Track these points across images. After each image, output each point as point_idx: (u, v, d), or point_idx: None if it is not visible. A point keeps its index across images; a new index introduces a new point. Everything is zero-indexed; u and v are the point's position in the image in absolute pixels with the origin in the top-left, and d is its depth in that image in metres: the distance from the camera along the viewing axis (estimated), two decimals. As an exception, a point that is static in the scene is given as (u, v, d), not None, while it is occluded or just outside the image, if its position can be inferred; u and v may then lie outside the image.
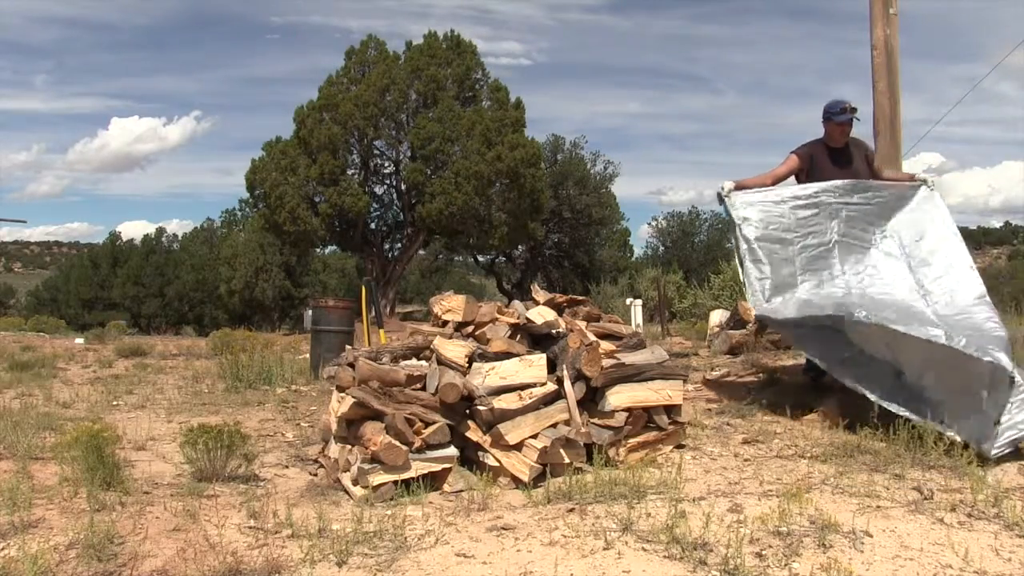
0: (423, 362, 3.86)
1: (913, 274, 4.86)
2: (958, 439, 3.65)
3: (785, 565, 2.40)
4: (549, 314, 4.07)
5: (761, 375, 6.30)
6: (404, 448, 3.42)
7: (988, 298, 4.64)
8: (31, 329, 20.28)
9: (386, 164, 24.29)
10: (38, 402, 6.18)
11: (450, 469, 3.53)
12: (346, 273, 38.13)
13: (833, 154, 5.33)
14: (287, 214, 21.69)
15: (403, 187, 23.57)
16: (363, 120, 21.93)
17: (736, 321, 8.77)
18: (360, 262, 29.61)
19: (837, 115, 5.22)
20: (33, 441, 4.23)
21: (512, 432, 3.54)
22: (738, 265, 5.16)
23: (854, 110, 5.25)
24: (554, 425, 3.65)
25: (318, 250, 32.01)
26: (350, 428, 3.68)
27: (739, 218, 5.04)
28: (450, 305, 4.23)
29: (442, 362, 3.76)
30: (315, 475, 4.00)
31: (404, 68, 22.86)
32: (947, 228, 5.04)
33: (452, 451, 3.56)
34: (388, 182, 24.75)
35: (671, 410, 4.05)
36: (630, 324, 10.41)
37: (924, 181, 5.25)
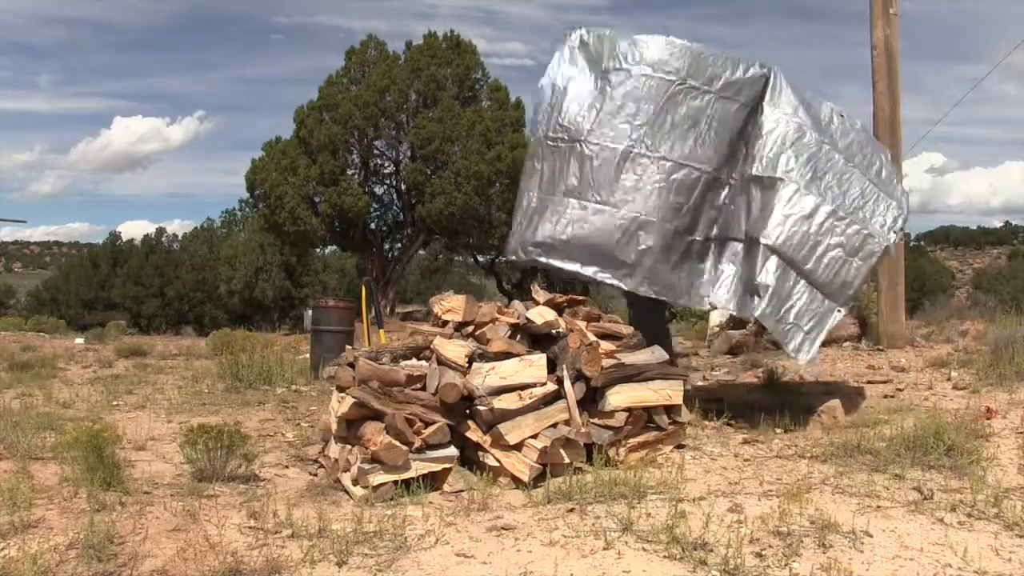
0: (423, 362, 3.86)
1: None
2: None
3: (785, 565, 2.40)
4: (549, 314, 4.07)
5: (761, 375, 6.30)
6: (404, 448, 3.42)
7: None
8: (31, 329, 20.24)
9: (386, 164, 24.25)
10: (38, 402, 6.17)
11: (450, 469, 3.53)
12: (346, 273, 38.04)
13: None
14: (287, 214, 21.67)
15: (403, 187, 23.54)
16: (363, 120, 21.91)
17: (736, 321, 8.78)
18: (360, 262, 29.55)
19: None
20: (33, 441, 4.23)
21: (512, 432, 3.54)
22: None
23: None
24: (554, 425, 3.65)
25: (318, 250, 31.96)
26: (350, 428, 3.68)
27: None
28: (450, 305, 4.23)
29: (442, 362, 3.76)
30: (315, 475, 4.00)
31: (404, 68, 22.83)
32: None
33: (452, 451, 3.56)
34: (388, 182, 24.71)
35: (671, 410, 4.05)
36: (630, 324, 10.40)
37: None
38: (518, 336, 4.03)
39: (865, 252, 4.53)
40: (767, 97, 4.72)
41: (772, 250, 4.47)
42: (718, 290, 4.70)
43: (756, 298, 4.44)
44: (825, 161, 4.65)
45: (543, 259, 4.71)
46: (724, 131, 4.62)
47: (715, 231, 4.75)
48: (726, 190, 4.73)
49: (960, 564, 2.40)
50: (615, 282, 4.60)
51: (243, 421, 5.04)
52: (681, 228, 4.63)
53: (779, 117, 4.68)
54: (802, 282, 4.44)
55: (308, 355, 8.36)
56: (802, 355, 4.43)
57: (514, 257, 5.02)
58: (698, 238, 4.70)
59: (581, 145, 4.64)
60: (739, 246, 4.70)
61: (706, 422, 4.68)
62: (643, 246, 4.53)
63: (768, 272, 4.44)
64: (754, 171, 4.65)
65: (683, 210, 4.59)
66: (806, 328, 4.44)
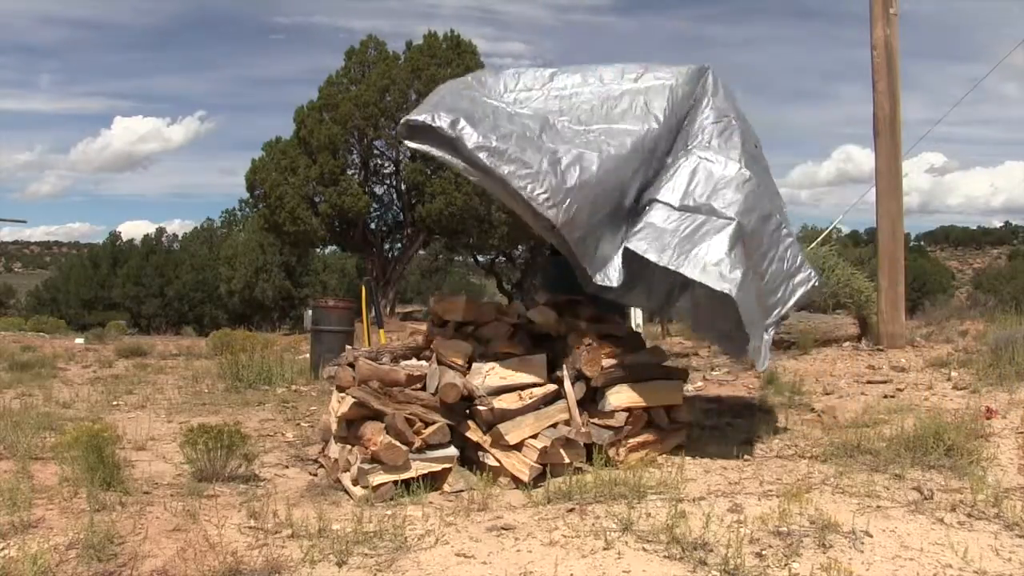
0: (423, 362, 3.86)
1: None
2: None
3: (785, 565, 2.40)
4: (549, 314, 4.07)
5: (761, 375, 6.30)
6: (404, 448, 3.42)
7: None
8: (31, 329, 20.24)
9: (386, 164, 24.28)
10: (38, 402, 6.17)
11: (450, 469, 3.53)
12: (346, 273, 38.07)
13: None
14: (287, 214, 21.69)
15: (403, 187, 23.56)
16: (363, 120, 21.93)
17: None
18: (360, 262, 29.57)
19: None
20: (33, 441, 4.23)
21: (512, 432, 3.54)
22: None
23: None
24: (554, 425, 3.65)
25: (318, 250, 31.98)
26: (350, 428, 3.68)
27: None
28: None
29: (442, 362, 3.76)
30: (315, 475, 4.00)
31: (404, 68, 22.85)
32: None
33: (452, 451, 3.56)
34: (388, 182, 24.73)
35: (671, 410, 4.05)
36: (630, 324, 10.37)
37: None
38: (518, 336, 4.03)
39: (800, 278, 4.22)
40: (710, 91, 4.19)
41: (742, 231, 3.77)
42: (631, 239, 3.79)
43: (715, 265, 3.63)
44: (765, 178, 4.27)
45: (450, 129, 3.47)
46: (659, 102, 4.00)
47: (644, 197, 3.94)
48: (657, 169, 4.02)
49: (960, 564, 2.40)
50: (535, 200, 3.46)
51: (243, 421, 5.04)
52: (623, 181, 3.82)
53: (725, 109, 4.18)
54: (754, 285, 3.90)
55: (308, 355, 8.36)
56: (759, 363, 3.98)
57: (417, 117, 3.58)
58: (626, 204, 3.90)
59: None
60: (665, 206, 3.87)
61: (706, 422, 4.68)
62: (585, 175, 3.59)
63: (737, 253, 3.71)
64: (707, 147, 4.05)
65: (630, 166, 3.85)
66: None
